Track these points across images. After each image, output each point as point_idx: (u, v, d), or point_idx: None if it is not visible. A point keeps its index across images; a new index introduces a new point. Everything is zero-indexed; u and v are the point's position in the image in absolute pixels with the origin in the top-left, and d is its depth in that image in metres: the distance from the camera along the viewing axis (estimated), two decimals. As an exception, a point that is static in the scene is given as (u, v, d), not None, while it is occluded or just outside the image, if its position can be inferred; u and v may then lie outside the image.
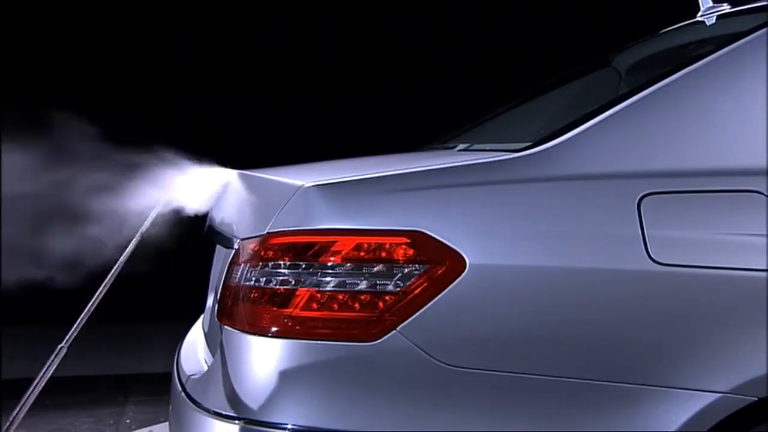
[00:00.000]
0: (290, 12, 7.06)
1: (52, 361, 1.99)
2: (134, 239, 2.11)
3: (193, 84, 6.73)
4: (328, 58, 7.13)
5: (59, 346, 2.01)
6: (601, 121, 1.55)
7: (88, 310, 2.05)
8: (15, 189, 2.15)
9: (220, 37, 6.92)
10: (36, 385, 1.96)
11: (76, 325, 2.03)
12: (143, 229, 2.11)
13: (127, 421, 4.02)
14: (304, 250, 1.49)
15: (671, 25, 2.27)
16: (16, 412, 1.93)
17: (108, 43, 6.69)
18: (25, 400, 1.94)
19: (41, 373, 1.98)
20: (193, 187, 2.14)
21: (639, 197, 1.48)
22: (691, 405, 1.42)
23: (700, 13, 2.20)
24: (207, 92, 6.70)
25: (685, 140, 1.54)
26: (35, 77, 6.36)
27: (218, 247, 2.07)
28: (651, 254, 1.45)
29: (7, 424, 1.92)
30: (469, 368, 1.43)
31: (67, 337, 2.02)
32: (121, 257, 2.10)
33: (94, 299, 2.06)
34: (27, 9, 6.43)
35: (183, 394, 1.77)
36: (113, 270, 2.09)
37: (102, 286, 2.07)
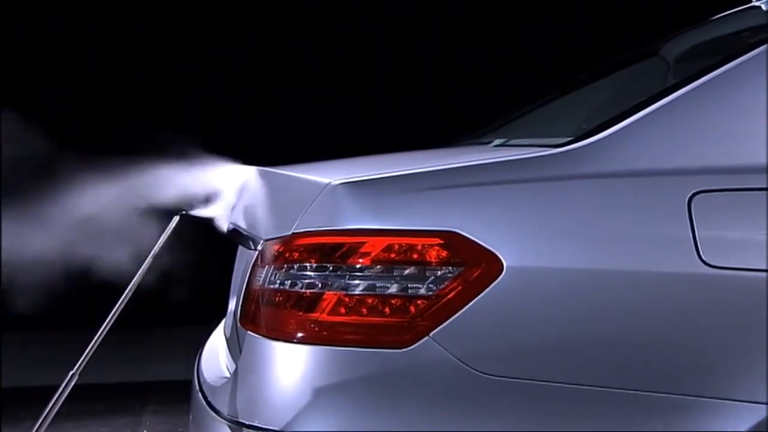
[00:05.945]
0: (295, 10, 7.17)
1: (63, 389, 2.01)
2: (151, 253, 2.12)
3: (202, 82, 6.84)
4: (345, 56, 7.22)
5: (70, 372, 2.02)
6: (648, 115, 1.53)
7: (102, 332, 2.06)
8: (21, 191, 2.18)
9: (230, 34, 7.04)
10: (47, 412, 1.97)
11: (88, 349, 2.04)
12: (161, 241, 2.13)
13: (144, 431, 4.06)
14: (332, 252, 1.48)
15: (724, 11, 2.25)
16: None
17: (108, 42, 6.82)
18: (38, 427, 1.96)
19: (52, 402, 1.99)
20: (213, 186, 2.16)
21: (689, 195, 1.46)
22: (747, 418, 1.40)
23: (756, -2, 2.17)
24: (220, 90, 6.80)
25: (739, 134, 1.53)
26: (36, 77, 6.51)
27: (240, 248, 2.07)
28: (702, 256, 1.44)
29: None
30: (506, 377, 1.42)
31: (78, 363, 2.03)
32: (138, 272, 2.11)
33: (107, 320, 2.07)
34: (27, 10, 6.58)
35: (203, 402, 1.77)
36: (129, 288, 2.10)
37: (117, 305, 2.08)
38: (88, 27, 6.84)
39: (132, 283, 2.11)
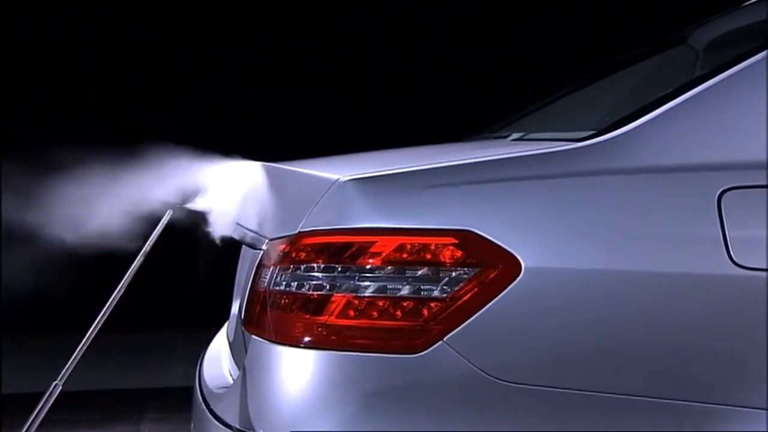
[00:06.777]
0: (295, 10, 7.22)
1: (46, 400, 1.95)
2: (144, 248, 2.08)
3: (202, 82, 6.90)
4: (345, 56, 7.29)
5: (54, 383, 1.98)
6: (675, 107, 1.48)
7: (92, 333, 2.00)
8: (23, 188, 2.14)
9: (230, 34, 7.13)
10: (30, 423, 1.92)
11: (74, 356, 1.98)
12: (153, 236, 2.08)
13: (144, 440, 4.03)
14: (340, 252, 1.44)
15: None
16: None
17: (108, 42, 6.87)
18: None
19: (35, 412, 1.94)
20: (216, 182, 2.12)
21: (719, 192, 1.40)
22: None
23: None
24: (220, 90, 6.85)
25: None
26: (36, 77, 6.55)
27: (244, 247, 2.03)
28: (733, 256, 1.38)
29: None
30: (525, 385, 1.37)
31: (63, 371, 1.99)
32: (131, 268, 2.06)
33: (98, 319, 2.01)
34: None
35: (205, 409, 1.74)
36: (121, 284, 2.05)
37: (108, 302, 2.03)
38: (88, 27, 6.88)
39: (123, 282, 2.05)
